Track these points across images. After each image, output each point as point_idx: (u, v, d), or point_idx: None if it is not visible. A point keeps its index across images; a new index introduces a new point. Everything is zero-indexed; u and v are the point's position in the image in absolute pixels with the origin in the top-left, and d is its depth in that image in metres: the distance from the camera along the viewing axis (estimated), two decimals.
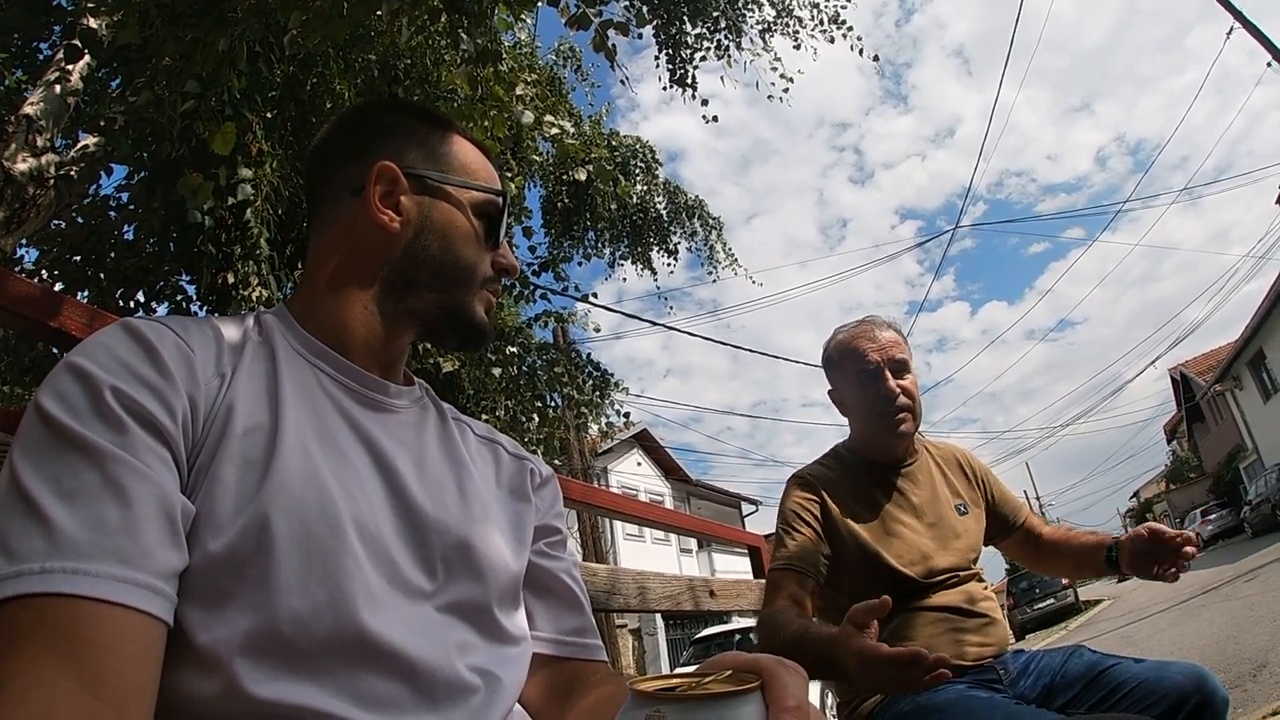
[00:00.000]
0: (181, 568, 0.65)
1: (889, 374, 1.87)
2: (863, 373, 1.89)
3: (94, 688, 0.57)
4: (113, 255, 5.09)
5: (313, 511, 0.71)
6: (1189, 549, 1.61)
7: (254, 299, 4.47)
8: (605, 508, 2.09)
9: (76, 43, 3.36)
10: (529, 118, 4.15)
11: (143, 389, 0.68)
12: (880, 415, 1.88)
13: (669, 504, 23.89)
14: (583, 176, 4.50)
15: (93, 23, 3.95)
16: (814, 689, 3.77)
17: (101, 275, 5.04)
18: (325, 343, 0.87)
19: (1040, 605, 21.26)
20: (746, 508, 29.29)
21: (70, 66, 4.46)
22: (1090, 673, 1.60)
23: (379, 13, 2.62)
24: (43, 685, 0.55)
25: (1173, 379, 36.84)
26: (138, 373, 0.69)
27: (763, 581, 2.68)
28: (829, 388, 2.02)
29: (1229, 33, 12.51)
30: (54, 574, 0.58)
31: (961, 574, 1.82)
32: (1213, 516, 28.58)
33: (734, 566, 24.05)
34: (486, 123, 3.69)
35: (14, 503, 0.61)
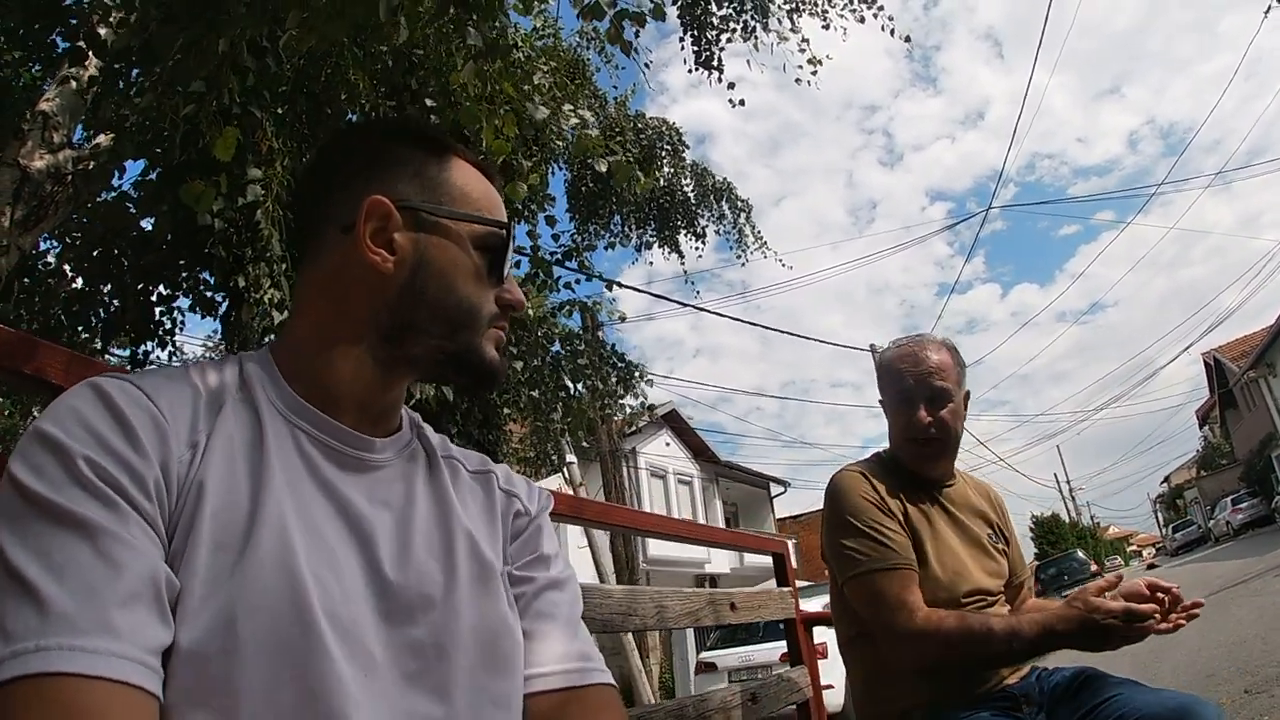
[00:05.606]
0: (169, 643, 0.63)
1: (923, 404, 1.85)
2: (899, 394, 1.90)
3: None
4: (131, 251, 5.09)
5: (284, 608, 0.67)
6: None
7: (267, 301, 4.43)
8: (595, 520, 2.03)
9: (81, 44, 3.33)
10: (543, 113, 4.04)
11: (115, 462, 0.66)
12: (908, 441, 1.89)
13: (697, 485, 23.65)
14: (604, 168, 4.39)
15: (102, 30, 3.90)
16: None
17: (125, 266, 5.03)
18: (309, 399, 0.81)
19: (1068, 593, 21.10)
20: (775, 488, 29.12)
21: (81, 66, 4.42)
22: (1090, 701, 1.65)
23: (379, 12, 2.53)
24: None
25: (1206, 364, 36.26)
26: (109, 445, 0.66)
27: (785, 590, 2.59)
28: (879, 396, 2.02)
29: (1267, 11, 12.15)
30: (49, 651, 0.56)
31: (989, 598, 1.82)
32: (1243, 505, 28.35)
33: (766, 560, 23.80)
34: (497, 121, 3.58)
35: (4, 581, 0.59)
